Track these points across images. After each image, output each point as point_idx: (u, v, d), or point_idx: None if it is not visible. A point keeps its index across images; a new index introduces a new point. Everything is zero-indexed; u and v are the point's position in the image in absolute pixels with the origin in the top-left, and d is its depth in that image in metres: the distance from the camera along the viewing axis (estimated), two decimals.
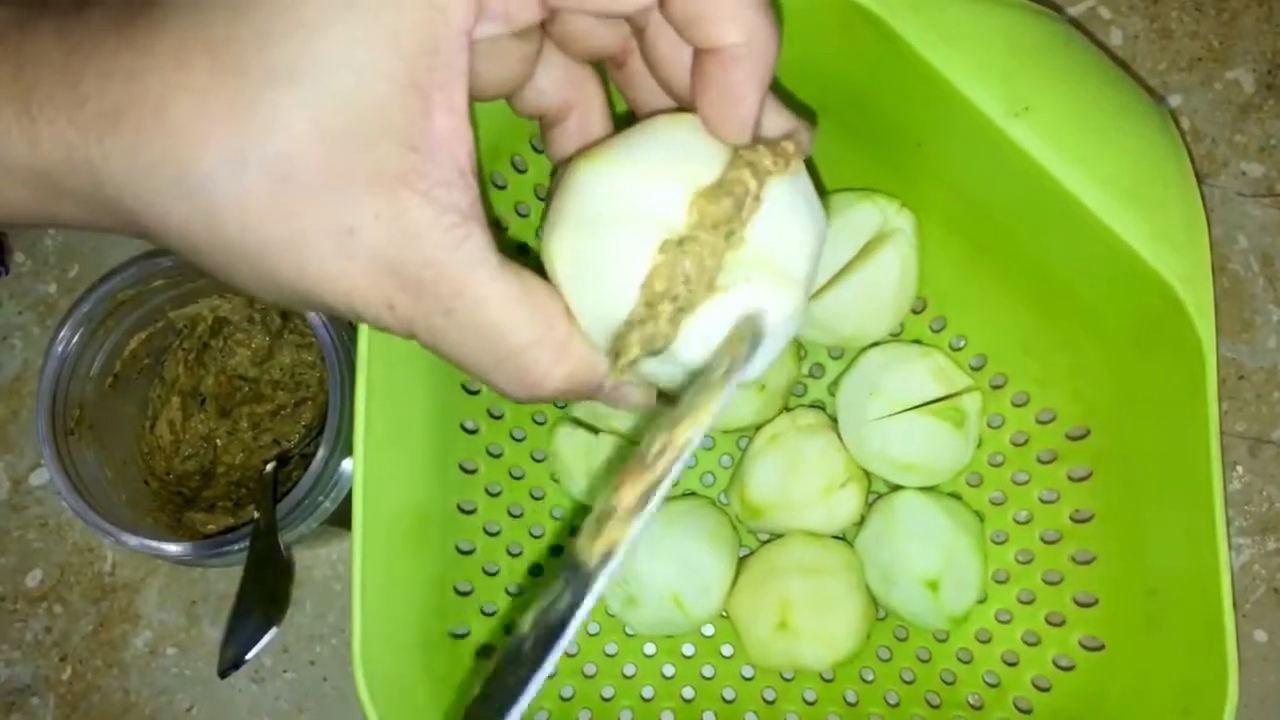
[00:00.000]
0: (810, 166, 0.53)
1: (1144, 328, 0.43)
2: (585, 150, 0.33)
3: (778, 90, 0.45)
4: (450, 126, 0.27)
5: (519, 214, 0.50)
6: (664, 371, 0.33)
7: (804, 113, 0.50)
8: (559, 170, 0.37)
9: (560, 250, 0.32)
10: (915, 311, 0.55)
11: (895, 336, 0.56)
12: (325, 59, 0.26)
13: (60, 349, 0.52)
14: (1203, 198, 0.43)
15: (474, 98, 0.33)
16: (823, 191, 0.53)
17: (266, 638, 0.48)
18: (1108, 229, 0.39)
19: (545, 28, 0.33)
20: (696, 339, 0.31)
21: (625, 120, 0.36)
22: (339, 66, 0.26)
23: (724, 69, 0.31)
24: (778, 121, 0.34)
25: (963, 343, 0.54)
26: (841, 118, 0.48)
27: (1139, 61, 0.65)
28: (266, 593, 0.49)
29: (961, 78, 0.39)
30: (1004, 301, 0.50)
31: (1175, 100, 0.64)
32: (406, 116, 0.27)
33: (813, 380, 0.58)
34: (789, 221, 0.32)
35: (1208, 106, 0.64)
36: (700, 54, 0.31)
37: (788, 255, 0.32)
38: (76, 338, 0.52)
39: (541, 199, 0.51)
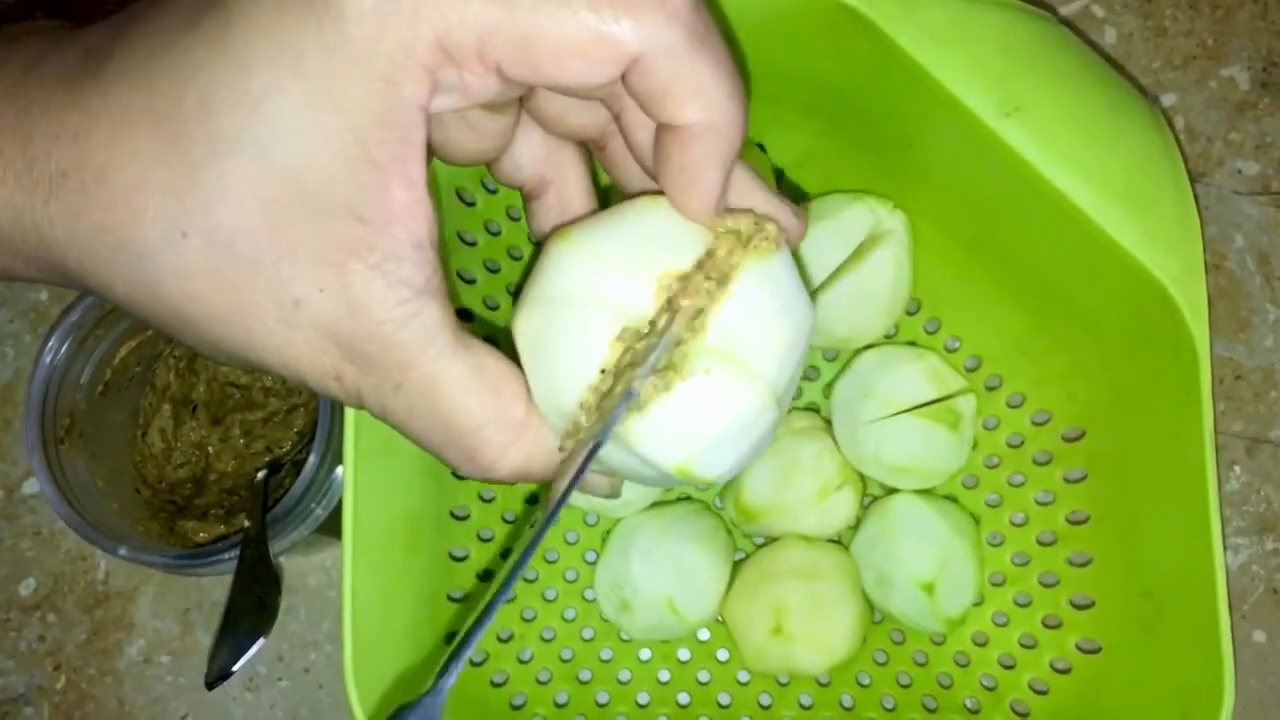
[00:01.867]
0: (799, 193, 0.53)
1: (1137, 328, 0.42)
2: (560, 229, 0.33)
3: (757, 164, 0.45)
4: (406, 199, 0.27)
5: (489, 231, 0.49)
6: (623, 462, 0.32)
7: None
8: (537, 247, 0.36)
9: (523, 329, 0.32)
10: (909, 313, 0.55)
11: (889, 338, 0.55)
12: (271, 130, 0.25)
13: (49, 358, 0.51)
14: (1198, 197, 0.42)
15: (448, 162, 0.32)
16: (803, 197, 0.53)
17: (254, 648, 0.48)
18: (1100, 229, 0.39)
19: (523, 103, 0.32)
20: (649, 428, 0.30)
21: (612, 193, 0.36)
22: (285, 138, 0.25)
23: (683, 146, 0.29)
24: (759, 204, 0.33)
25: (957, 344, 0.54)
26: (833, 119, 0.48)
27: (1133, 60, 0.65)
28: (256, 602, 0.48)
29: (952, 78, 0.39)
30: (998, 303, 0.50)
31: (1170, 99, 0.64)
32: (356, 189, 0.26)
33: (807, 383, 0.58)
34: (760, 313, 0.31)
35: (1203, 105, 0.64)
36: (661, 130, 0.30)
37: (756, 350, 0.31)
38: (66, 346, 0.52)
39: (514, 218, 0.50)
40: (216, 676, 0.47)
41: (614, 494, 0.35)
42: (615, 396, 0.30)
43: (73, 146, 0.26)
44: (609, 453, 0.31)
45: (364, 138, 0.26)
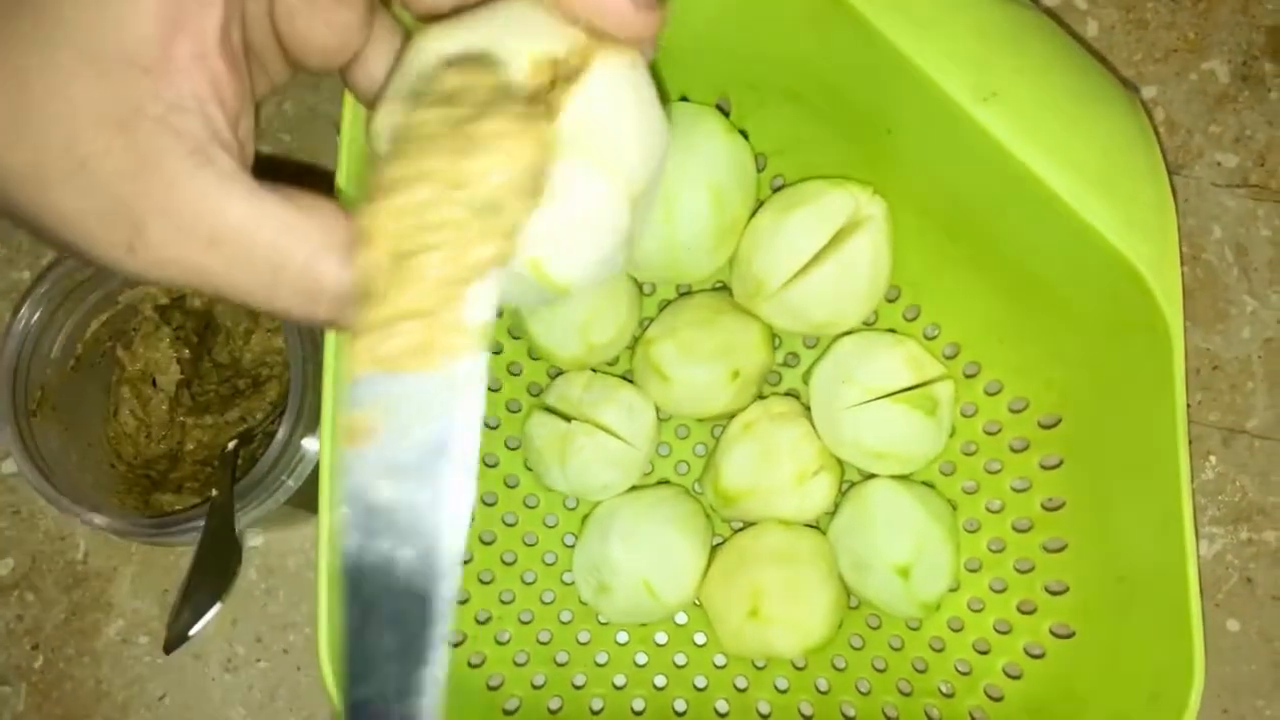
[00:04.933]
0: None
1: (1113, 314, 0.43)
2: (423, 28, 0.32)
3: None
4: (191, 52, 0.26)
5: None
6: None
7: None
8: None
9: (385, 123, 0.30)
10: (889, 300, 0.55)
11: (869, 325, 0.56)
12: None
13: (20, 326, 0.52)
14: (1176, 189, 0.43)
15: (301, 66, 0.32)
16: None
17: (212, 612, 0.48)
18: (1076, 215, 0.39)
19: None
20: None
21: None
22: None
23: None
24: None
25: (936, 331, 0.54)
26: (813, 105, 0.48)
27: (1114, 52, 0.65)
28: (217, 568, 0.48)
29: (931, 64, 0.39)
30: (977, 289, 0.50)
31: (1151, 91, 0.65)
32: (145, 45, 0.26)
33: (787, 369, 0.58)
34: (615, 107, 0.30)
35: (1183, 98, 0.64)
36: None
37: (610, 142, 0.30)
38: (36, 317, 0.52)
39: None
40: (175, 640, 0.47)
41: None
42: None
43: None
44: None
45: None
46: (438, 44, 0.30)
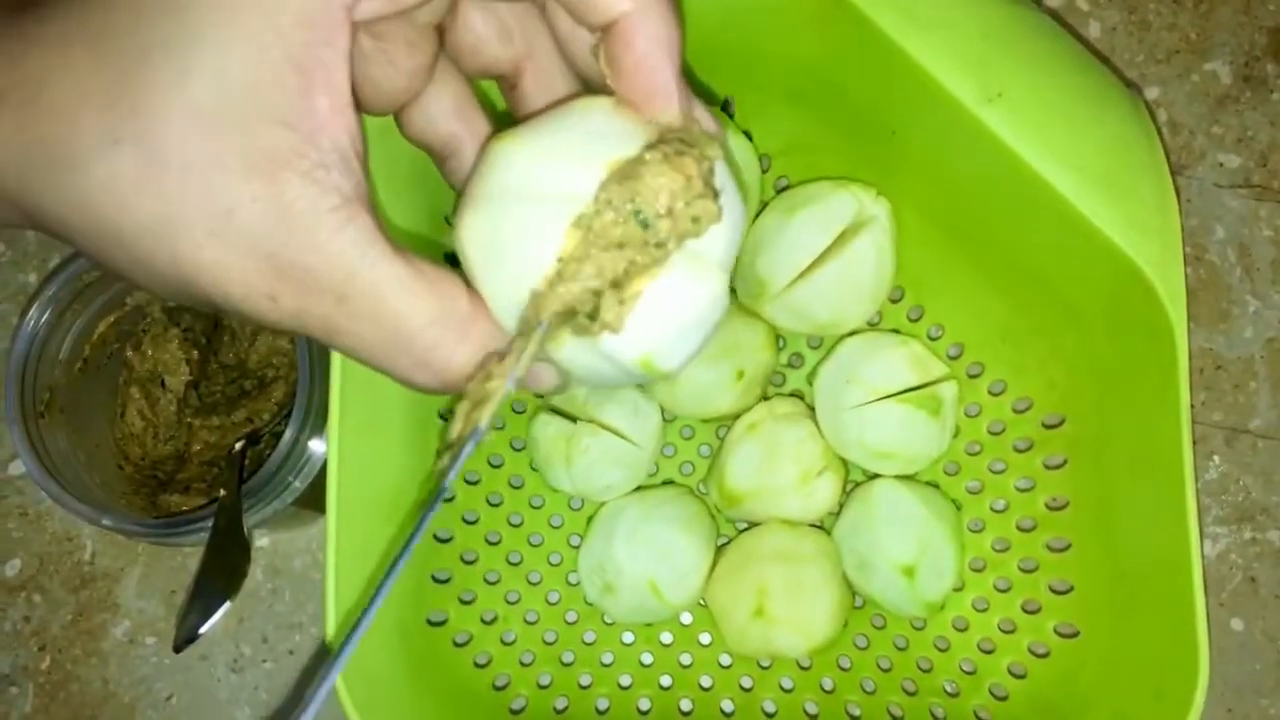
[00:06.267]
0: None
1: (1117, 313, 0.43)
2: (499, 132, 0.32)
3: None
4: (331, 105, 0.27)
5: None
6: (578, 358, 0.31)
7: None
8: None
9: (470, 231, 0.31)
10: (893, 300, 0.55)
11: (873, 325, 0.56)
12: (197, 35, 0.25)
13: (28, 328, 0.52)
14: (1179, 189, 0.43)
15: (367, 108, 0.32)
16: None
17: (221, 611, 0.48)
18: (1080, 214, 0.39)
19: (443, 39, 0.32)
20: (611, 319, 0.30)
21: None
22: (211, 41, 0.25)
23: (626, 43, 0.29)
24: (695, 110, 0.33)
25: (940, 331, 0.54)
26: (817, 106, 0.48)
27: (1117, 53, 0.65)
28: (226, 568, 0.49)
29: (934, 64, 0.39)
30: (980, 289, 0.51)
31: (1153, 92, 0.65)
32: (284, 95, 0.26)
33: (791, 370, 0.58)
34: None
35: (1185, 98, 0.65)
36: (603, 39, 0.30)
37: (710, 240, 0.31)
38: (44, 319, 0.52)
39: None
40: (185, 639, 0.47)
41: (560, 388, 0.34)
42: (571, 289, 0.29)
43: (11, 69, 0.26)
44: (567, 351, 0.31)
45: (288, 40, 0.26)
46: (516, 149, 0.31)
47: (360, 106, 0.32)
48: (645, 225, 0.29)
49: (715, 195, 0.30)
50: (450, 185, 0.36)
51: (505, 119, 0.35)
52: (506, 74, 0.34)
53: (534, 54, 0.34)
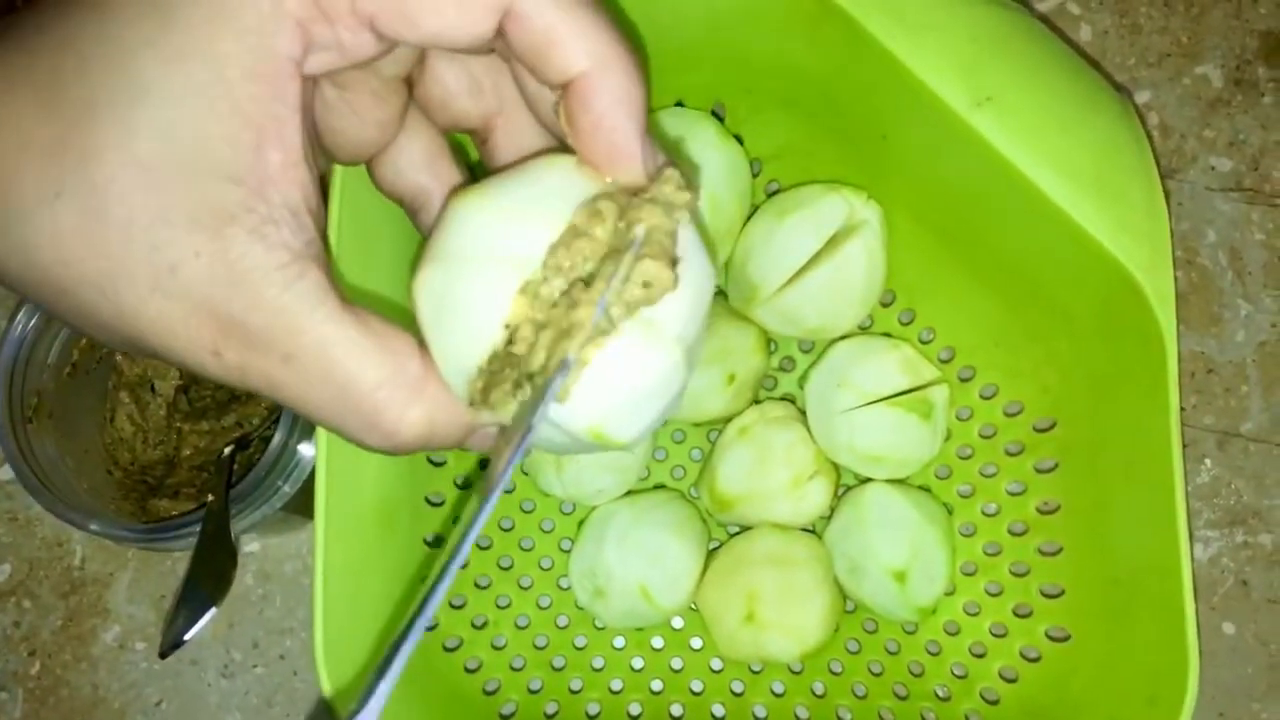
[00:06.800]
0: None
1: (1107, 317, 0.43)
2: (459, 189, 0.32)
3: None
4: (282, 160, 0.26)
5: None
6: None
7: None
8: None
9: (424, 289, 0.30)
10: (884, 304, 0.55)
11: (864, 329, 0.56)
12: (141, 86, 0.25)
13: (16, 332, 0.51)
14: (1170, 193, 0.43)
15: (333, 157, 0.32)
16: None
17: (207, 617, 0.48)
18: (1070, 219, 0.39)
19: (412, 91, 0.32)
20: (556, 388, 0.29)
21: None
22: (155, 93, 0.25)
23: (584, 102, 0.29)
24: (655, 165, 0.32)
25: (931, 335, 0.54)
26: (808, 111, 0.48)
27: (1108, 57, 0.65)
28: (213, 573, 0.48)
29: (924, 68, 0.39)
30: (971, 293, 0.51)
31: (1144, 96, 0.65)
32: (232, 149, 0.25)
33: (783, 374, 0.58)
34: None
35: (1176, 102, 0.65)
36: (563, 97, 0.29)
37: (665, 310, 0.29)
38: (32, 323, 0.52)
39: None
40: (170, 645, 0.47)
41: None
42: (519, 355, 0.29)
43: None
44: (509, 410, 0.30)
45: (236, 93, 0.25)
46: (473, 207, 0.30)
47: (329, 156, 0.32)
48: (587, 288, 0.29)
49: (673, 262, 0.29)
50: (423, 237, 0.35)
51: (482, 170, 0.34)
52: (477, 128, 0.34)
53: (505, 108, 0.33)
